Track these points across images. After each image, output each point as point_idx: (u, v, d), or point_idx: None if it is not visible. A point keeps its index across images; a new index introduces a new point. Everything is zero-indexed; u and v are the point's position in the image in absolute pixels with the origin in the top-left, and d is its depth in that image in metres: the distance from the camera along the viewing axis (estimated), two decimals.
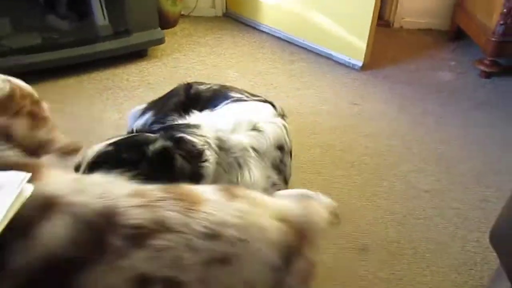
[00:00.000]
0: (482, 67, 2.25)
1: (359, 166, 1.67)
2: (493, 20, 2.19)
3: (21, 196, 0.40)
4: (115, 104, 1.97)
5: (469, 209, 1.49)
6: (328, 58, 2.36)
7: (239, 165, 1.13)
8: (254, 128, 1.21)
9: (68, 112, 1.88)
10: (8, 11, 2.07)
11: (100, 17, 2.19)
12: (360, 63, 2.26)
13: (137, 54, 2.30)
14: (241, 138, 1.17)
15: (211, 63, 2.35)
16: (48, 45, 2.09)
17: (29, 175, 0.44)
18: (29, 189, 0.42)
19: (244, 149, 1.15)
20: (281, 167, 1.22)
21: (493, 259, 1.12)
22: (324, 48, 2.36)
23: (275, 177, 1.19)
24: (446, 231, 1.41)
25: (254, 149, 1.17)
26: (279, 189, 1.10)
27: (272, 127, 1.24)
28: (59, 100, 1.96)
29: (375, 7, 2.08)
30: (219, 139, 1.13)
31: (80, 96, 2.01)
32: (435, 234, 1.40)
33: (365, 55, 2.22)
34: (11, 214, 0.39)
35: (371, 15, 2.10)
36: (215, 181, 1.07)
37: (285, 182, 1.25)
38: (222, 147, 1.13)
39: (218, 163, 1.11)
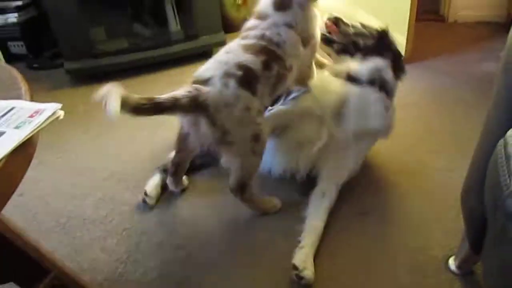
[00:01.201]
0: None
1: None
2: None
3: (53, 116, 0.74)
4: None
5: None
6: None
7: None
8: None
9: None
10: (103, 21, 2.60)
11: (174, 24, 2.63)
12: None
13: (203, 53, 2.70)
14: None
15: None
16: (133, 48, 2.58)
17: (60, 105, 0.76)
18: (60, 113, 0.76)
19: None
20: None
21: None
22: None
23: None
24: (443, 202, 1.54)
25: None
26: None
27: None
28: (139, 91, 2.40)
29: (412, 2, 2.22)
30: None
31: (155, 89, 2.46)
32: (431, 204, 1.54)
33: (406, 49, 2.36)
34: (38, 129, 0.72)
35: (409, 11, 2.24)
36: None
37: None
38: None
39: None
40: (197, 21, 2.59)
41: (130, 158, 1.87)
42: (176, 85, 2.52)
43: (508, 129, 0.92)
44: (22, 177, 0.70)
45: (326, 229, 1.44)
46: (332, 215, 1.50)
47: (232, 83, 1.26)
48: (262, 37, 1.34)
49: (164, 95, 1.22)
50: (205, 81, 1.29)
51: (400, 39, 2.35)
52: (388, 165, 1.75)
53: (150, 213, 1.56)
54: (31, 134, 0.71)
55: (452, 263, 1.31)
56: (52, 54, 2.76)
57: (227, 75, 1.27)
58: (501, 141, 0.90)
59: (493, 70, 2.32)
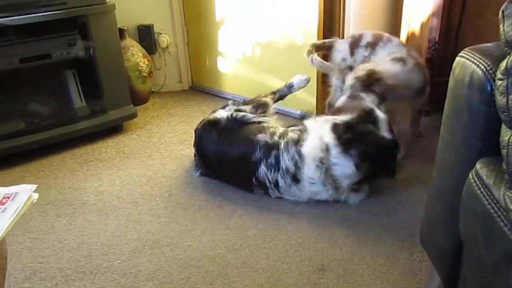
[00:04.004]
0: None
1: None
2: None
3: (29, 200, 0.59)
4: (95, 174, 2.17)
5: (413, 226, 1.68)
6: (284, 114, 2.65)
7: None
8: None
9: (52, 184, 2.07)
10: None
11: (77, 100, 2.45)
12: None
13: (113, 129, 2.56)
14: None
15: (181, 130, 2.60)
16: (31, 129, 2.32)
17: (35, 186, 0.62)
18: (35, 196, 0.61)
19: None
20: None
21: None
22: (281, 106, 2.66)
23: None
24: (395, 245, 1.60)
25: None
26: None
27: None
28: (44, 175, 2.16)
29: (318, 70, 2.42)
30: None
31: (63, 170, 2.21)
32: (384, 249, 1.58)
33: (316, 108, 2.52)
34: (19, 215, 0.58)
35: (316, 75, 2.43)
36: None
37: None
38: None
39: None
40: (104, 95, 2.46)
41: None
42: (87, 164, 2.35)
43: (469, 164, 1.00)
44: None
45: (279, 283, 1.37)
46: (288, 271, 1.45)
47: None
48: None
49: None
50: None
51: (311, 100, 2.52)
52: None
53: None
54: (11, 225, 0.56)
55: None
56: None
57: None
58: (472, 174, 0.97)
59: None
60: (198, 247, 1.64)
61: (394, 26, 2.84)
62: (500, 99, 0.87)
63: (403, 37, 2.72)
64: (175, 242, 1.67)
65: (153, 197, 1.96)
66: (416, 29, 2.54)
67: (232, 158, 1.94)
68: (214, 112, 2.13)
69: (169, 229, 1.74)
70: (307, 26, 2.41)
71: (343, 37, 2.84)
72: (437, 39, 2.39)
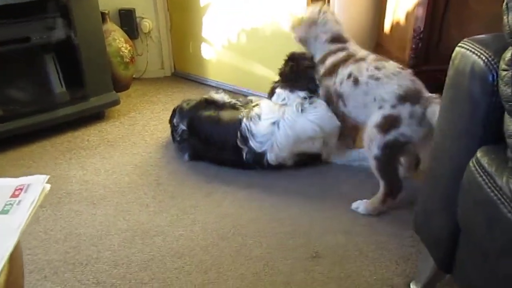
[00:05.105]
0: None
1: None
2: (406, 55, 2.55)
3: (43, 192, 0.56)
4: (79, 163, 2.12)
5: (402, 213, 1.72)
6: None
7: None
8: None
9: (34, 173, 1.98)
10: None
11: (58, 85, 2.37)
12: None
13: (96, 116, 2.48)
14: None
15: (165, 118, 2.54)
16: (9, 116, 2.22)
17: (47, 176, 0.59)
18: (48, 187, 0.58)
19: None
20: None
21: (423, 246, 1.32)
22: (264, 94, 2.64)
23: None
24: (386, 232, 1.62)
25: None
26: None
27: None
28: (26, 164, 2.09)
29: None
30: None
31: (45, 159, 2.15)
32: (375, 236, 1.60)
33: None
34: (35, 208, 0.55)
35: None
36: None
37: None
38: None
39: None
40: (86, 81, 2.38)
41: None
42: (69, 152, 2.28)
43: (468, 152, 1.02)
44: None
45: (275, 277, 1.38)
46: (282, 259, 1.46)
47: None
48: None
49: None
50: None
51: None
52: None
53: None
54: (29, 218, 0.53)
55: (413, 287, 1.37)
56: None
57: None
58: (472, 162, 0.99)
59: None
60: (190, 236, 1.62)
61: (379, 15, 2.87)
62: (505, 89, 0.89)
63: (387, 26, 2.75)
64: (166, 232, 1.65)
65: (141, 186, 1.93)
66: (401, 18, 2.56)
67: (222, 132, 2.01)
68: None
69: (159, 219, 1.72)
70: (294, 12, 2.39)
71: None
72: (422, 29, 2.41)
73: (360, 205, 1.73)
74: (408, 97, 1.62)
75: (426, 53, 2.47)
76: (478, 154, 0.98)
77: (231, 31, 2.72)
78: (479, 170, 0.96)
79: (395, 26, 2.69)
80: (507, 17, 0.91)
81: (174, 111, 2.24)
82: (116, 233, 1.64)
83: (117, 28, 2.77)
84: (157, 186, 1.93)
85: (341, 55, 1.89)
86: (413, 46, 2.49)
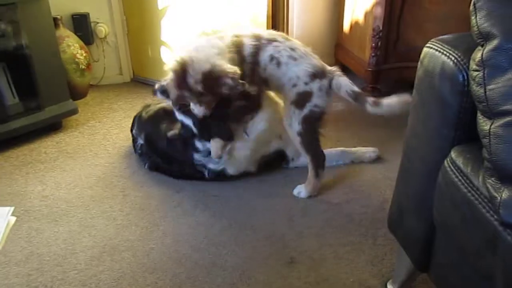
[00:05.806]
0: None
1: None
2: (366, 54, 2.59)
3: (8, 226, 0.50)
4: (37, 177, 2.00)
5: (374, 211, 1.73)
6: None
7: None
8: None
9: None
10: None
11: (10, 97, 2.23)
12: None
13: (52, 126, 2.36)
14: None
15: (126, 125, 2.46)
16: None
17: (12, 208, 0.53)
18: (13, 220, 0.52)
19: None
20: None
21: (398, 245, 1.33)
22: None
23: None
24: (358, 232, 1.63)
25: None
26: None
27: None
28: None
29: None
30: None
31: None
32: (348, 237, 1.61)
33: None
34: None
35: None
36: None
37: None
38: None
39: None
40: (39, 90, 2.26)
41: None
42: (25, 166, 2.15)
43: (441, 152, 1.03)
44: None
45: (253, 287, 1.35)
46: (258, 267, 1.43)
47: None
48: None
49: None
50: None
51: None
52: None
53: None
54: None
55: (390, 287, 1.38)
56: None
57: None
58: (447, 162, 1.00)
59: (343, 108, 2.66)
60: (162, 249, 1.56)
61: (337, 14, 2.89)
62: (477, 90, 0.90)
63: (347, 26, 2.78)
64: (136, 246, 1.58)
65: (106, 199, 1.84)
66: (360, 18, 2.60)
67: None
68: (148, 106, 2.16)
69: (127, 232, 1.65)
70: (255, 14, 2.37)
71: (287, 27, 2.85)
72: (381, 28, 2.45)
73: (301, 189, 1.84)
74: (317, 74, 1.72)
75: (386, 52, 2.51)
76: (453, 154, 0.99)
77: (191, 34, 2.66)
78: (454, 170, 0.97)
79: (354, 26, 2.72)
80: (475, 18, 0.92)
81: (134, 118, 2.16)
82: (82, 251, 1.56)
83: (71, 33, 2.65)
84: (123, 198, 1.85)
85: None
86: (373, 45, 2.53)
